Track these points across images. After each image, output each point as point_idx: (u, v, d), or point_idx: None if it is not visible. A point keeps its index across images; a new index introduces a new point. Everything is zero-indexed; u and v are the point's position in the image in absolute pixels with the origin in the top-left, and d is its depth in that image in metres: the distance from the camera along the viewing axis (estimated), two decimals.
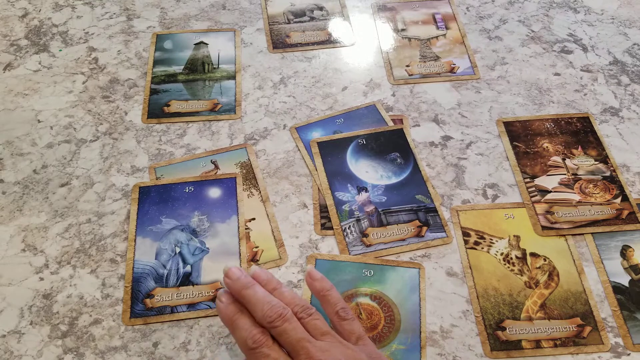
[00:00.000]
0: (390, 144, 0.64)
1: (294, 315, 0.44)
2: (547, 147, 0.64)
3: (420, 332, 0.51)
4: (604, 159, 0.63)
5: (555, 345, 0.50)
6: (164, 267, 0.54)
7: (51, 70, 0.71)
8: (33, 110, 0.67)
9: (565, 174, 0.61)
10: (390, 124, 0.66)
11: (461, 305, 0.53)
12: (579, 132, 0.65)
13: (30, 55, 0.72)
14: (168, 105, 0.67)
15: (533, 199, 0.59)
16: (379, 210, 0.59)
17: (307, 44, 0.74)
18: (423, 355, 0.50)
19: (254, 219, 0.58)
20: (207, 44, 0.74)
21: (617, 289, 0.53)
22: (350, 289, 0.53)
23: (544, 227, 0.57)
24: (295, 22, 0.77)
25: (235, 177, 0.60)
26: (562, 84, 0.70)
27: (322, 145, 0.63)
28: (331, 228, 0.57)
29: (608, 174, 0.61)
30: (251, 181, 0.61)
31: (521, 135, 0.65)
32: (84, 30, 0.76)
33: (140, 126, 0.66)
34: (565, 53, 0.73)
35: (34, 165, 0.62)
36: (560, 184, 0.60)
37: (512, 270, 0.55)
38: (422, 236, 0.57)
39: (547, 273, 0.54)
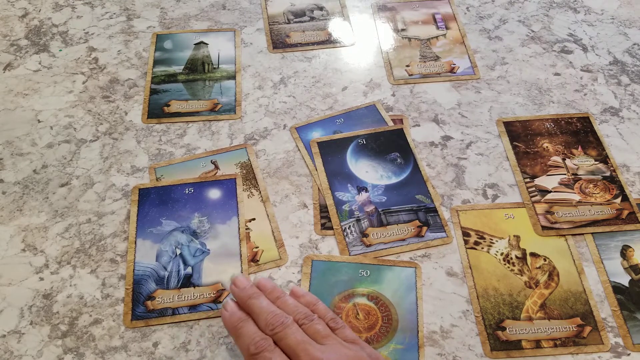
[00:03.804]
0: (390, 144, 0.64)
1: (296, 323, 0.46)
2: (547, 147, 0.64)
3: (418, 331, 0.51)
4: (604, 159, 0.63)
5: (555, 345, 0.50)
6: (165, 268, 0.54)
7: (51, 70, 0.71)
8: (33, 110, 0.67)
9: (565, 174, 0.61)
10: (390, 124, 0.66)
11: (461, 305, 0.53)
12: (579, 132, 0.65)
13: (30, 55, 0.72)
14: (168, 105, 0.67)
15: (533, 199, 0.59)
16: (379, 210, 0.59)
17: (307, 44, 0.74)
18: (421, 355, 0.50)
19: (254, 219, 0.58)
20: (207, 44, 0.74)
21: (617, 289, 0.54)
22: (347, 290, 0.53)
23: (544, 227, 0.57)
24: (295, 22, 0.77)
25: (235, 178, 0.60)
26: (562, 84, 0.70)
27: (322, 145, 0.63)
28: (331, 228, 0.57)
29: (608, 174, 0.61)
30: (251, 181, 0.61)
31: (521, 135, 0.65)
32: (84, 30, 0.76)
33: (140, 126, 0.66)
34: (565, 53, 0.73)
35: (34, 165, 0.62)
36: (560, 184, 0.60)
37: (512, 270, 0.55)
38: (422, 236, 0.57)
39: (547, 273, 0.54)
